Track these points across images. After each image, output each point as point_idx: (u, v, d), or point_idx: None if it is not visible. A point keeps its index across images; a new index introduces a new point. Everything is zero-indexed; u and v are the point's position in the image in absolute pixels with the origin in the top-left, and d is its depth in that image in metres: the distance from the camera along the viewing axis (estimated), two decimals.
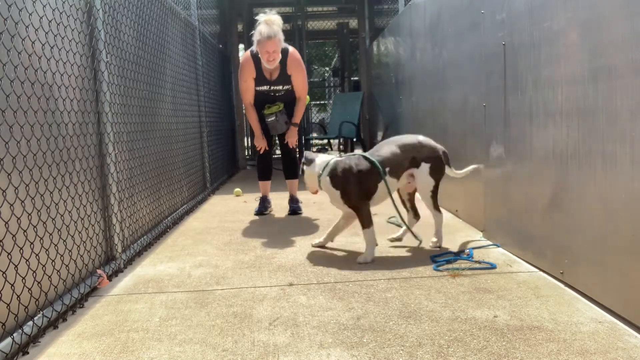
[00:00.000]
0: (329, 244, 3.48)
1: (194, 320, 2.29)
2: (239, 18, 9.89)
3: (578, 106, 2.32)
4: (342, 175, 3.13)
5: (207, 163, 6.19)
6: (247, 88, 4.48)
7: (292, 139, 4.64)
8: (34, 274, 2.20)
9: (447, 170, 3.32)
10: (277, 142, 4.88)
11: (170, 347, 2.02)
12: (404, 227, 3.52)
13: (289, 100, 4.59)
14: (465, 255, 3.05)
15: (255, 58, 4.40)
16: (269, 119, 4.55)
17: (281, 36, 4.27)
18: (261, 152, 4.65)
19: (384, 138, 7.61)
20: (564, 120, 2.44)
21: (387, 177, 3.14)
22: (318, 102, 15.86)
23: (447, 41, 4.25)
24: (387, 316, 2.25)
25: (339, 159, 3.20)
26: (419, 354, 1.90)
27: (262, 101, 4.58)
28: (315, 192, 3.34)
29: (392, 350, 1.94)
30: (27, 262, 2.14)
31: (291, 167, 4.74)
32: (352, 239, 3.62)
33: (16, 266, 2.05)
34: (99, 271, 2.80)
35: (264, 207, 4.80)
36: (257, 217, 4.64)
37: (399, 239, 3.52)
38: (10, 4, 2.12)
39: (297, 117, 4.62)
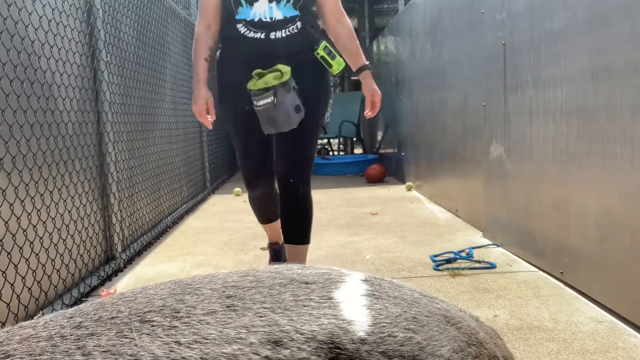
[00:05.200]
0: (329, 243, 3.48)
1: None
2: None
3: (578, 106, 2.32)
4: None
5: (207, 163, 6.19)
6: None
7: (377, 99, 2.44)
8: (34, 273, 2.20)
9: None
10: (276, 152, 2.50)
11: None
12: None
13: (301, 60, 2.35)
14: (465, 255, 3.05)
15: None
16: (260, 103, 2.25)
17: None
18: (209, 127, 2.53)
19: (383, 137, 7.61)
20: (564, 120, 2.44)
21: None
22: None
23: (447, 41, 4.25)
24: None
25: None
26: None
27: (246, 57, 2.34)
28: None
29: None
30: (27, 262, 2.14)
31: (295, 219, 2.50)
32: (351, 239, 3.62)
33: (16, 266, 2.05)
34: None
35: (278, 258, 2.72)
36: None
37: None
38: (10, 3, 2.12)
39: (359, 53, 2.46)
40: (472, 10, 3.58)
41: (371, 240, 3.55)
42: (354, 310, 0.66)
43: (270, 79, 2.23)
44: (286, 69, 2.26)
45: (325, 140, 10.97)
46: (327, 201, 5.22)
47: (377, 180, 6.49)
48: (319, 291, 0.68)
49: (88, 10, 2.93)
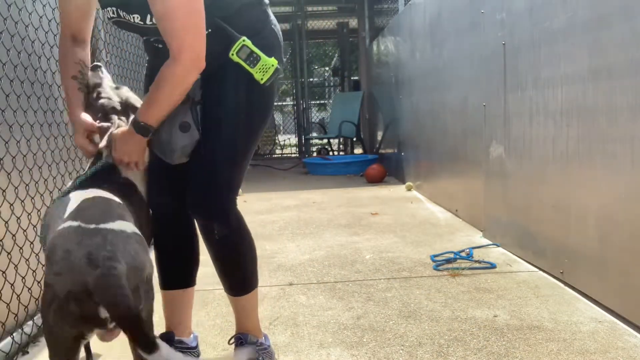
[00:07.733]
0: (329, 243, 3.48)
1: (193, 320, 2.28)
2: None
3: (578, 106, 2.32)
4: None
5: None
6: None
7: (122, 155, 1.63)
8: (34, 273, 2.19)
9: None
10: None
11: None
12: None
13: (215, 66, 1.66)
14: (465, 255, 3.05)
15: None
16: None
17: None
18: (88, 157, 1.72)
19: (383, 137, 7.62)
20: (564, 120, 2.44)
21: None
22: (318, 102, 15.87)
23: (447, 41, 4.25)
24: (387, 316, 2.25)
25: None
26: (418, 354, 1.90)
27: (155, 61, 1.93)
28: None
29: (392, 349, 1.94)
30: (27, 262, 2.14)
31: (220, 265, 1.87)
32: (351, 239, 3.62)
33: (16, 266, 2.05)
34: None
35: None
36: (256, 217, 4.60)
37: None
38: (10, 3, 2.12)
39: (147, 107, 1.69)
40: (472, 10, 3.58)
41: (371, 240, 3.55)
42: None
43: None
44: None
45: (325, 140, 10.99)
46: (327, 201, 5.22)
47: (377, 180, 6.49)
48: None
49: None
